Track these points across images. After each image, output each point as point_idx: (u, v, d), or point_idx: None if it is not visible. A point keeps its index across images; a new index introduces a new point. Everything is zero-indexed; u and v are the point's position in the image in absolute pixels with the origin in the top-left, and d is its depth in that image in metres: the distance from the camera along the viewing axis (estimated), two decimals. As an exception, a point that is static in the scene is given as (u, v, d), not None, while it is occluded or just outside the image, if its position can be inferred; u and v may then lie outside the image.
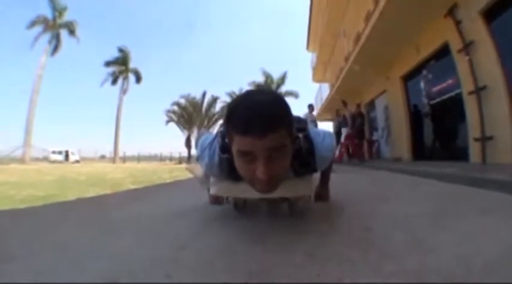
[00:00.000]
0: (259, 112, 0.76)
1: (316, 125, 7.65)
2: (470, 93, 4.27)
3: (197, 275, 0.70)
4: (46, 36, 22.83)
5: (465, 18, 4.36)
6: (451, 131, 5.40)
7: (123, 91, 28.01)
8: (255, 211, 1.46)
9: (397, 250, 0.81)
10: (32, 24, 22.14)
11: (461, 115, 4.71)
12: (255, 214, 1.39)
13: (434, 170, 3.09)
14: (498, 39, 3.85)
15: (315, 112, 10.27)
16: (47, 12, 22.75)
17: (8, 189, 2.95)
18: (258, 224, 1.20)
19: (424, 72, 6.11)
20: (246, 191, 1.02)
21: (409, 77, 6.89)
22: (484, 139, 4.01)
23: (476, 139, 4.19)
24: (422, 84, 6.25)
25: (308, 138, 1.06)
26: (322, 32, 13.69)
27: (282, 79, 23.50)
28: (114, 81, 27.58)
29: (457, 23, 4.48)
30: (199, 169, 1.40)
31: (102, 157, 42.74)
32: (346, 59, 8.75)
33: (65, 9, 23.26)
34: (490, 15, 3.97)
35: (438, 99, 5.67)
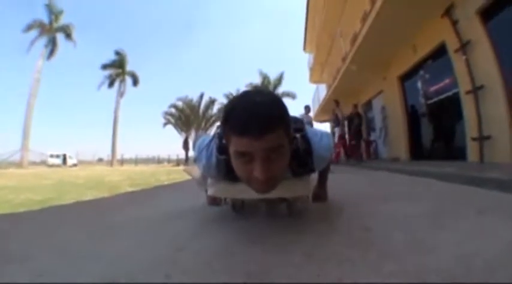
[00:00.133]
0: (256, 113, 0.76)
1: (312, 127, 7.63)
2: (468, 92, 4.28)
3: (196, 276, 0.70)
4: (42, 40, 22.78)
5: (462, 18, 4.38)
6: (449, 131, 5.41)
7: (120, 94, 27.92)
8: (253, 212, 1.46)
9: (396, 250, 0.81)
10: (28, 28, 22.05)
11: (458, 115, 4.72)
12: (253, 215, 1.38)
13: (432, 170, 3.09)
14: (495, 39, 3.86)
15: (311, 114, 10.27)
16: (43, 16, 22.73)
17: (7, 193, 2.94)
18: (256, 225, 1.19)
19: (421, 72, 6.13)
20: (243, 192, 1.01)
21: (406, 77, 6.91)
22: (482, 139, 4.02)
23: (473, 139, 4.19)
24: (419, 84, 6.26)
25: (305, 138, 1.05)
26: (319, 33, 13.70)
27: (279, 80, 23.58)
28: (111, 84, 27.49)
29: (454, 23, 4.49)
30: (196, 171, 1.40)
31: (100, 160, 42.58)
32: (343, 60, 8.76)
33: (61, 12, 23.19)
34: (486, 14, 3.98)
35: (435, 99, 5.68)
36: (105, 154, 35.68)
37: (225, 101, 23.53)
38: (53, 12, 22.78)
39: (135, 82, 28.43)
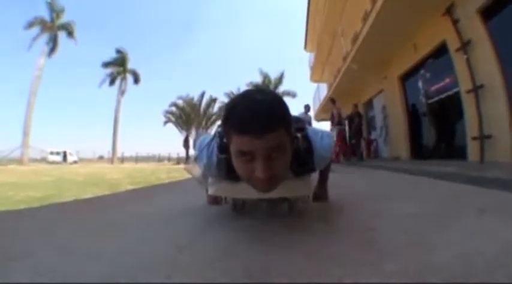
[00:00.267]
0: (257, 112, 0.76)
1: (311, 126, 7.60)
2: (468, 91, 4.28)
3: (197, 276, 0.69)
4: (44, 38, 22.78)
5: (462, 17, 4.37)
6: (449, 130, 5.42)
7: (121, 92, 27.94)
8: (254, 211, 1.45)
9: (398, 249, 0.81)
10: (30, 25, 22.05)
11: (459, 114, 4.72)
12: (253, 215, 1.38)
13: (433, 169, 3.09)
14: (495, 38, 3.85)
15: (312, 113, 10.26)
16: (45, 14, 22.72)
17: (7, 190, 2.94)
18: (257, 224, 1.19)
19: (422, 71, 6.12)
20: (244, 191, 1.01)
21: (407, 76, 6.91)
22: (482, 138, 4.02)
23: (474, 138, 4.19)
24: (420, 83, 6.25)
25: (306, 138, 1.05)
26: (319, 32, 13.68)
27: (280, 79, 23.52)
28: (112, 82, 27.51)
29: (455, 22, 4.48)
30: (197, 170, 1.40)
31: (101, 157, 42.55)
32: (344, 59, 8.75)
33: (62, 11, 23.19)
34: (487, 13, 3.98)
35: (436, 98, 5.68)
36: (106, 151, 35.63)
37: (225, 100, 23.50)
38: (55, 10, 22.78)
39: (136, 80, 28.46)
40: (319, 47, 14.97)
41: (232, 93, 23.02)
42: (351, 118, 8.49)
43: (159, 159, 36.97)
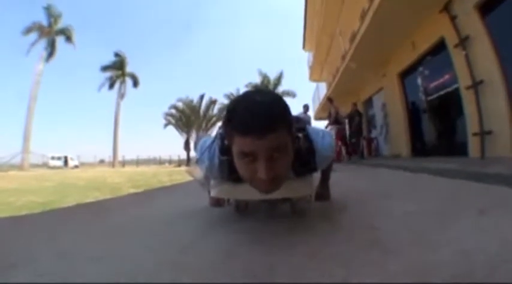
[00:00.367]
0: (258, 112, 0.76)
1: (310, 125, 7.60)
2: (468, 87, 4.27)
3: (199, 278, 0.69)
4: (42, 43, 22.83)
5: (460, 13, 4.36)
6: (450, 126, 5.41)
7: (121, 95, 28.01)
8: (257, 212, 1.45)
9: (402, 248, 0.80)
10: (28, 31, 22.11)
11: (459, 110, 4.71)
12: (256, 216, 1.38)
13: (434, 166, 3.08)
14: (494, 33, 3.85)
15: (312, 113, 10.26)
16: (43, 19, 22.76)
17: (8, 196, 2.94)
18: (260, 225, 1.19)
19: (421, 68, 6.11)
20: (247, 192, 1.01)
21: (406, 74, 6.90)
22: (483, 134, 4.01)
23: (474, 134, 4.19)
24: (419, 80, 6.24)
25: (308, 138, 1.05)
26: (317, 31, 13.67)
27: (279, 79, 23.57)
28: (111, 86, 27.59)
29: (453, 18, 4.48)
30: (198, 172, 1.39)
31: (102, 161, 42.62)
32: (343, 58, 8.75)
33: (59, 15, 23.25)
34: (485, 9, 3.98)
35: (436, 95, 5.67)
36: (107, 155, 35.71)
37: (225, 101, 23.55)
38: (52, 15, 22.83)
39: (135, 83, 28.51)
40: (318, 47, 14.96)
41: (232, 94, 23.07)
42: (351, 117, 8.48)
43: (160, 162, 37.07)
